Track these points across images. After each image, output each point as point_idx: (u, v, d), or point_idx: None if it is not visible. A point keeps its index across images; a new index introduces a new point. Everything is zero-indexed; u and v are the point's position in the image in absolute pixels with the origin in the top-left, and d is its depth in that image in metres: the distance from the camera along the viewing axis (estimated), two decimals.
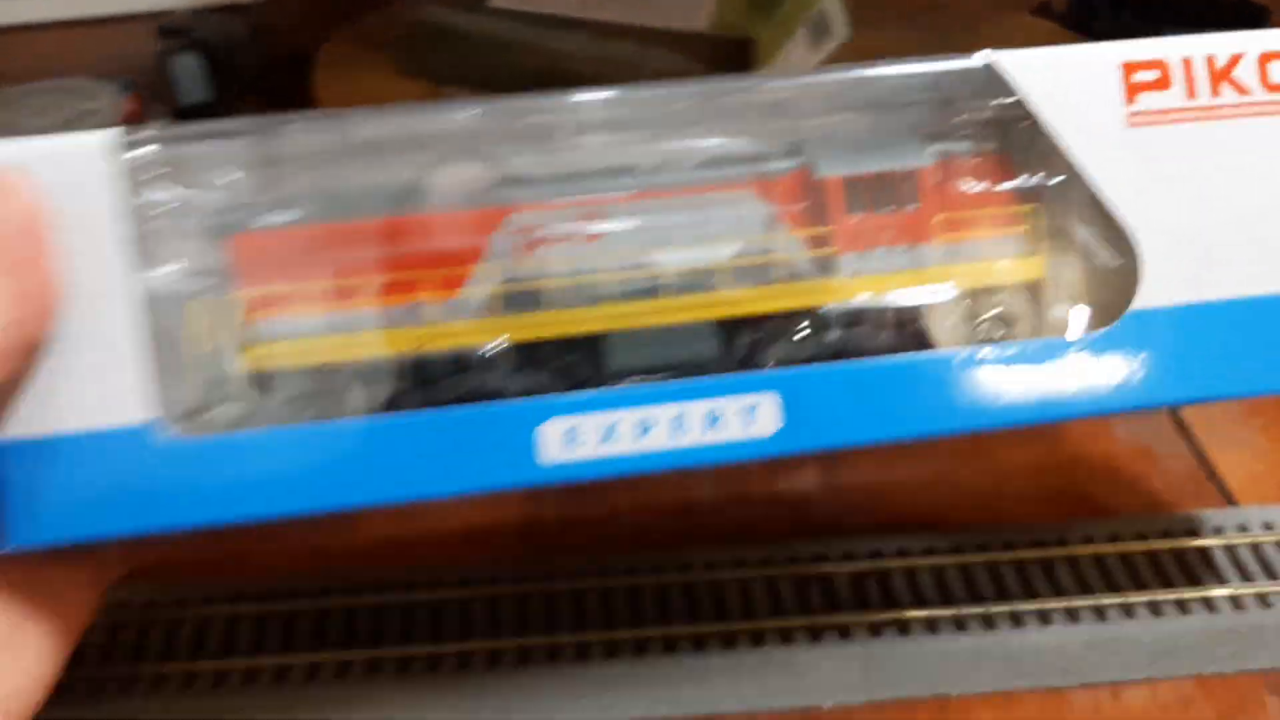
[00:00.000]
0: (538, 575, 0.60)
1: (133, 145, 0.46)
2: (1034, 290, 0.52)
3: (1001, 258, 0.52)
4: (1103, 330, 0.49)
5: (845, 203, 0.51)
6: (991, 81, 0.49)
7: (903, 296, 0.51)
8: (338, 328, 0.49)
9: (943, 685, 0.56)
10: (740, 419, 0.47)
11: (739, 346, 0.51)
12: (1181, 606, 0.58)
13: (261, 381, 0.49)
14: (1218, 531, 0.62)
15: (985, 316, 0.52)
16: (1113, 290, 0.50)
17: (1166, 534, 0.62)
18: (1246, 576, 0.60)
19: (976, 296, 0.52)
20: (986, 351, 0.49)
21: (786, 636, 0.57)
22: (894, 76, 0.51)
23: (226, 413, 0.48)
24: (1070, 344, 0.49)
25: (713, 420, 0.47)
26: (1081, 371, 0.49)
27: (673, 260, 0.51)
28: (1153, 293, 0.49)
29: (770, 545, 0.61)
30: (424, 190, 0.50)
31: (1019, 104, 0.49)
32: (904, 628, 0.57)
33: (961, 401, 0.49)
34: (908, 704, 0.55)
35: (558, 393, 0.48)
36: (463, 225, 0.50)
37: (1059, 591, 0.59)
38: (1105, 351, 0.49)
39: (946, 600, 0.58)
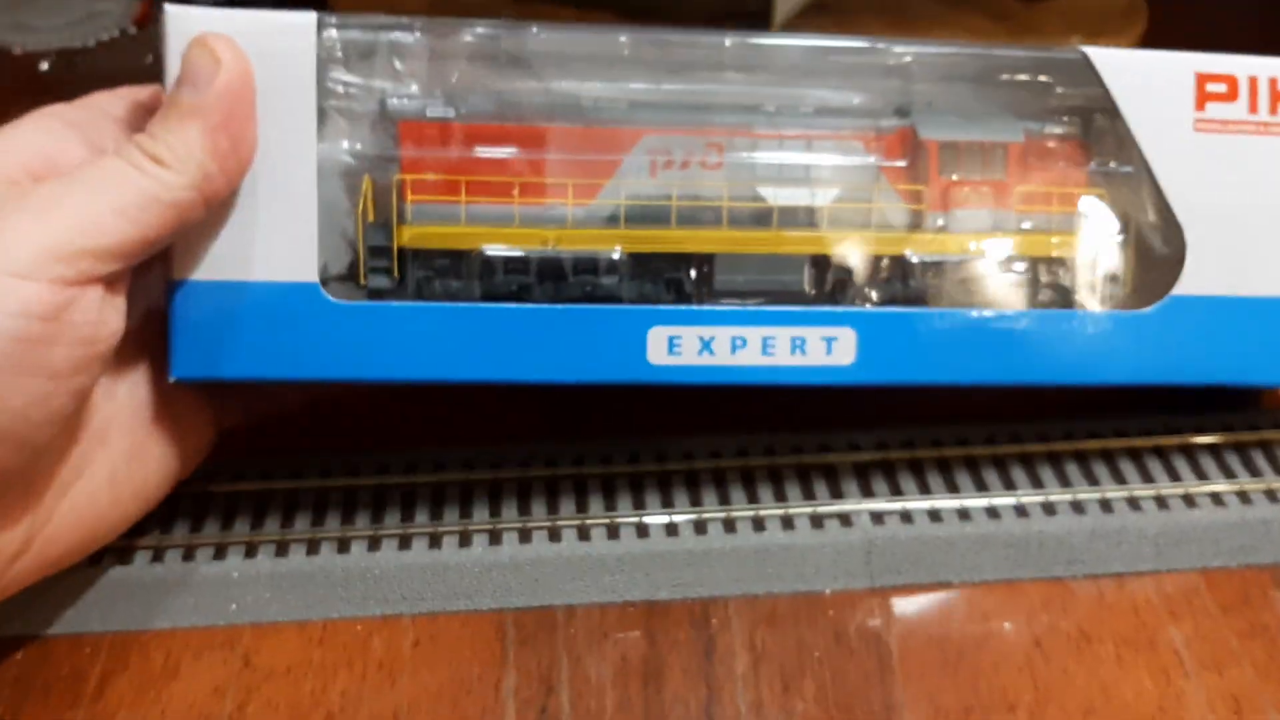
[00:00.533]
0: (546, 459, 0.60)
1: (326, 26, 0.51)
2: (1089, 265, 0.57)
3: (1067, 232, 0.57)
4: (1144, 309, 0.55)
5: (940, 164, 0.55)
6: (1083, 72, 0.54)
7: (979, 255, 0.56)
8: (483, 218, 0.53)
9: (945, 572, 0.55)
10: (821, 348, 0.53)
11: (829, 282, 0.56)
12: (1188, 500, 0.58)
13: (414, 257, 0.53)
14: (1227, 429, 0.61)
15: (1045, 283, 0.57)
16: (1158, 275, 0.56)
17: (1174, 430, 0.61)
18: (1255, 472, 0.59)
19: (1040, 264, 0.57)
20: (1041, 315, 0.55)
21: (789, 523, 0.56)
22: (999, 57, 0.57)
23: (380, 282, 0.53)
24: (1113, 316, 0.55)
25: (798, 345, 0.53)
26: (1119, 343, 0.55)
27: (781, 196, 0.55)
28: (1193, 282, 0.55)
29: (776, 434, 0.61)
30: (573, 104, 0.54)
31: (1105, 95, 0.54)
32: (907, 517, 0.56)
33: (1013, 356, 0.55)
34: (909, 589, 0.55)
35: (666, 304, 0.54)
36: (602, 141, 0.54)
37: (1065, 484, 0.58)
38: (1142, 328, 0.55)
39: (952, 491, 0.58)
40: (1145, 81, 0.54)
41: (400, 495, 0.58)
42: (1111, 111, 0.54)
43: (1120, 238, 0.56)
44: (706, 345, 0.53)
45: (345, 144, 0.53)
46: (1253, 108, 0.54)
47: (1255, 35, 1.05)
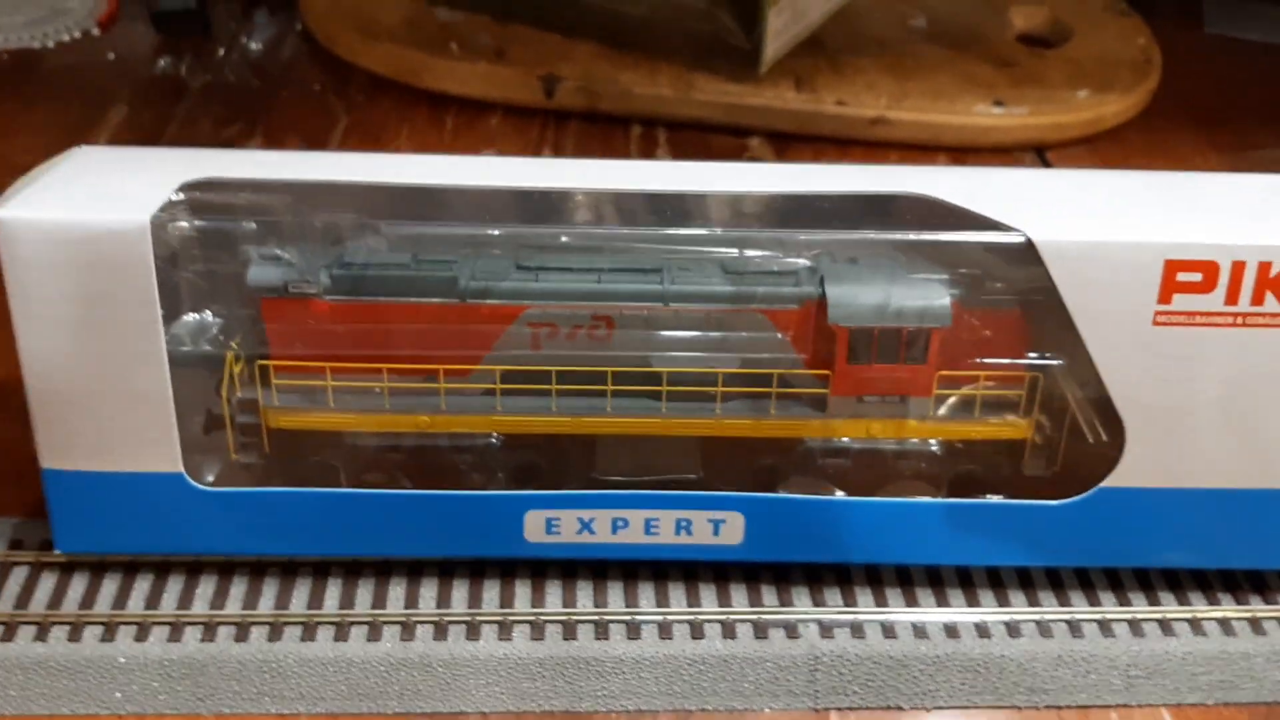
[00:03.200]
0: None
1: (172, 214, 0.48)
2: (1015, 450, 0.52)
3: (991, 423, 0.52)
4: (1070, 499, 0.51)
5: (850, 352, 0.50)
6: (1028, 257, 0.47)
7: (886, 443, 0.52)
8: (353, 402, 0.51)
9: (895, 697, 0.51)
10: (708, 529, 0.52)
11: (720, 466, 0.52)
12: (1164, 626, 0.53)
13: (283, 435, 0.51)
14: None
15: (960, 470, 0.53)
16: (1088, 464, 0.51)
17: None
18: (1240, 600, 0.55)
19: (956, 451, 0.53)
20: (952, 506, 0.51)
21: (729, 630, 0.52)
22: (939, 242, 0.50)
23: (250, 458, 0.52)
24: (1033, 507, 0.51)
25: (683, 527, 0.52)
26: (1040, 531, 0.52)
27: (674, 374, 0.51)
28: (1129, 474, 0.50)
29: None
30: (448, 279, 0.50)
31: (1049, 285, 0.47)
32: (859, 630, 0.52)
33: (924, 541, 0.52)
34: (856, 712, 0.51)
35: (544, 485, 0.52)
36: (480, 316, 0.50)
37: (1033, 602, 0.54)
38: (1066, 518, 0.51)
39: (910, 604, 0.53)
40: (1100, 275, 0.47)
41: (311, 574, 0.54)
42: (1055, 301, 0.48)
43: (1049, 424, 0.52)
44: (586, 526, 0.51)
45: (209, 315, 0.51)
46: (1231, 298, 0.47)
47: (1273, 91, 1.00)
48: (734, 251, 0.50)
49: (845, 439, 0.52)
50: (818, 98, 0.88)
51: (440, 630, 0.51)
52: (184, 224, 0.48)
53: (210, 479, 0.51)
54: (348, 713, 0.50)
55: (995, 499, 0.52)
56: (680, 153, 0.86)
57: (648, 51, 0.90)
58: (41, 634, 0.50)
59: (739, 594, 0.53)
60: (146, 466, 0.49)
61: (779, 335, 0.50)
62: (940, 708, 0.51)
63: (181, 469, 0.49)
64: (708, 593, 0.53)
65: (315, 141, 0.88)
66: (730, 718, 0.50)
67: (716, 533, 0.51)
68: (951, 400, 0.51)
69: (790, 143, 0.89)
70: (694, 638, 0.51)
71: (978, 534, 0.51)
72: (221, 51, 1.00)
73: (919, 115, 0.87)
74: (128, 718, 0.49)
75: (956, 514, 0.51)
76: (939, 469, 0.53)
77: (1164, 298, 0.47)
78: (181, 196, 0.47)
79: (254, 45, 1.01)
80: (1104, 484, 0.50)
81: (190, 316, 0.50)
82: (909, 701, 0.51)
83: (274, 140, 0.88)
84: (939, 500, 0.52)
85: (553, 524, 0.51)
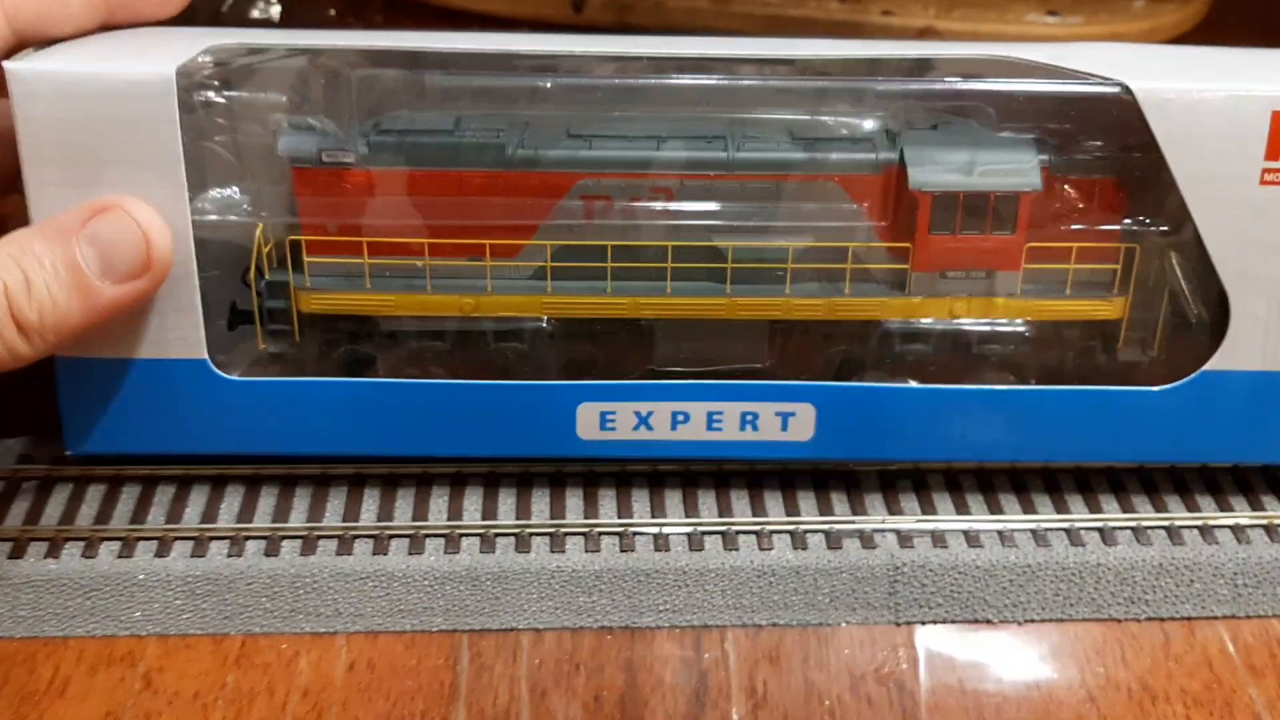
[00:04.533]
0: None
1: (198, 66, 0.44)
2: (1111, 330, 0.48)
3: (1084, 295, 0.48)
4: (1174, 384, 0.47)
5: (931, 220, 0.46)
6: (1125, 110, 0.44)
7: (972, 324, 0.48)
8: (392, 282, 0.47)
9: (982, 609, 0.47)
10: (775, 424, 0.47)
11: (789, 351, 0.49)
12: (1272, 532, 0.49)
13: (315, 321, 0.47)
14: None
15: (1052, 355, 0.49)
16: (1189, 347, 0.47)
17: None
18: None
19: (1050, 328, 0.49)
20: (1042, 394, 0.47)
21: (799, 541, 0.47)
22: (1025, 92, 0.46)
23: (280, 347, 0.48)
24: (1138, 394, 0.47)
25: (749, 421, 0.47)
26: (1138, 422, 0.47)
27: (740, 251, 0.47)
28: (1236, 354, 0.46)
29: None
30: (494, 144, 0.46)
31: (1148, 138, 0.44)
32: (940, 540, 0.48)
33: (1009, 435, 0.48)
34: (940, 628, 0.46)
35: (598, 376, 0.48)
36: (528, 187, 0.47)
37: (1128, 509, 0.49)
38: (1166, 406, 0.47)
39: (994, 511, 0.49)
40: (1204, 128, 0.43)
41: (346, 486, 0.49)
42: (1155, 156, 0.44)
43: (1147, 304, 0.48)
44: (644, 420, 0.47)
45: (234, 190, 0.47)
46: None
47: None
48: (804, 116, 0.46)
49: (926, 320, 0.48)
50: (863, 8, 0.83)
51: (487, 543, 0.47)
52: (210, 91, 0.44)
53: (236, 376, 0.47)
54: (389, 630, 0.46)
55: (1088, 388, 0.47)
56: None
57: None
58: (54, 550, 0.46)
59: (807, 503, 0.49)
60: (167, 353, 0.45)
61: (854, 206, 0.46)
62: (1032, 620, 0.47)
63: (206, 355, 0.45)
64: (774, 502, 0.49)
65: None
66: (804, 633, 0.46)
67: (785, 428, 0.47)
68: (1041, 279, 0.47)
69: None
70: (761, 549, 0.47)
71: (1068, 426, 0.47)
72: None
73: (969, 25, 0.83)
74: (148, 638, 0.45)
75: (1046, 403, 0.47)
76: (1026, 356, 0.49)
77: (1272, 153, 0.43)
78: (209, 59, 0.43)
79: None
80: (1206, 367, 0.46)
81: (215, 192, 0.46)
82: (998, 614, 0.47)
83: None
84: (1027, 388, 0.48)
85: (607, 419, 0.47)
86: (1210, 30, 0.89)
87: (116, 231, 0.41)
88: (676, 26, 0.84)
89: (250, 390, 0.46)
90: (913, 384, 0.48)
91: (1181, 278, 0.47)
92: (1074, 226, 0.47)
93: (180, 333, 0.45)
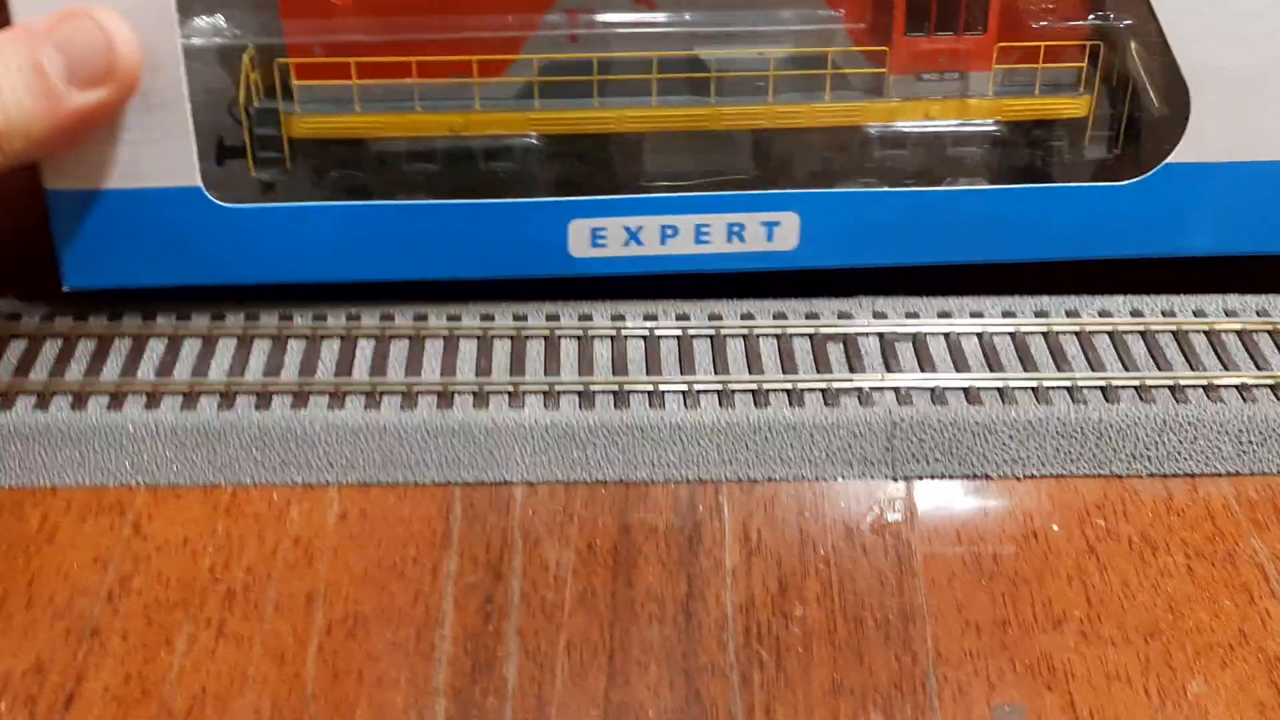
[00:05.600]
0: (513, 313, 0.50)
1: None
2: (1077, 128, 0.49)
3: (1051, 94, 0.48)
4: (1138, 178, 0.47)
5: (908, 21, 0.47)
6: None
7: (944, 128, 0.49)
8: (381, 102, 0.46)
9: (981, 464, 0.46)
10: (761, 233, 0.47)
11: (773, 160, 0.49)
12: (1277, 391, 0.48)
13: (306, 146, 0.47)
14: None
15: (1022, 153, 0.50)
16: (1155, 139, 0.48)
17: (1262, 313, 0.51)
18: None
19: (1018, 132, 0.50)
20: (1016, 192, 0.48)
21: (796, 398, 0.47)
22: None
23: (271, 174, 0.47)
24: (1099, 190, 0.48)
25: (735, 232, 0.48)
26: (1105, 216, 0.48)
27: (722, 60, 0.47)
28: (1194, 147, 0.46)
29: (785, 299, 0.51)
30: None
31: None
32: (939, 397, 0.47)
33: (982, 234, 0.48)
34: (937, 483, 0.46)
35: (587, 193, 0.47)
36: (511, 3, 0.46)
37: (1131, 366, 0.49)
38: (1132, 199, 0.48)
39: (994, 369, 0.48)
40: None
41: (338, 343, 0.49)
42: None
43: (1112, 101, 0.49)
44: (634, 236, 0.47)
45: (220, 18, 0.46)
46: None
47: None
48: None
49: (903, 123, 0.48)
50: None
51: (480, 399, 0.47)
52: None
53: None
54: (381, 482, 0.45)
55: (1058, 185, 0.49)
56: None
57: None
58: (42, 403, 0.46)
59: (805, 362, 0.49)
60: (160, 181, 0.44)
61: (831, 10, 0.47)
62: (1032, 476, 0.46)
63: (200, 183, 0.45)
64: (770, 362, 0.49)
65: None
66: (799, 487, 0.46)
67: (770, 237, 0.48)
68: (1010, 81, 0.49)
69: None
70: (758, 406, 0.47)
71: (1041, 224, 0.48)
72: None
73: None
74: (137, 489, 0.45)
75: (1019, 202, 0.48)
76: (998, 157, 0.50)
77: None
78: None
79: None
80: (1168, 160, 0.47)
81: (202, 19, 0.45)
82: (996, 470, 0.46)
83: None
84: (1001, 188, 0.49)
85: (598, 235, 0.47)
86: None
87: (81, 35, 0.40)
88: None
89: (245, 217, 0.46)
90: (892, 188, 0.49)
91: (1144, 73, 0.48)
92: (1041, 23, 0.48)
93: (173, 160, 0.44)
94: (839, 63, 0.47)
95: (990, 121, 0.48)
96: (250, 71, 0.45)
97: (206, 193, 0.45)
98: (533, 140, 0.47)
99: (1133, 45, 0.47)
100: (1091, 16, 0.47)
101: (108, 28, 0.41)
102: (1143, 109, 0.48)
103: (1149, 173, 0.47)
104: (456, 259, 0.47)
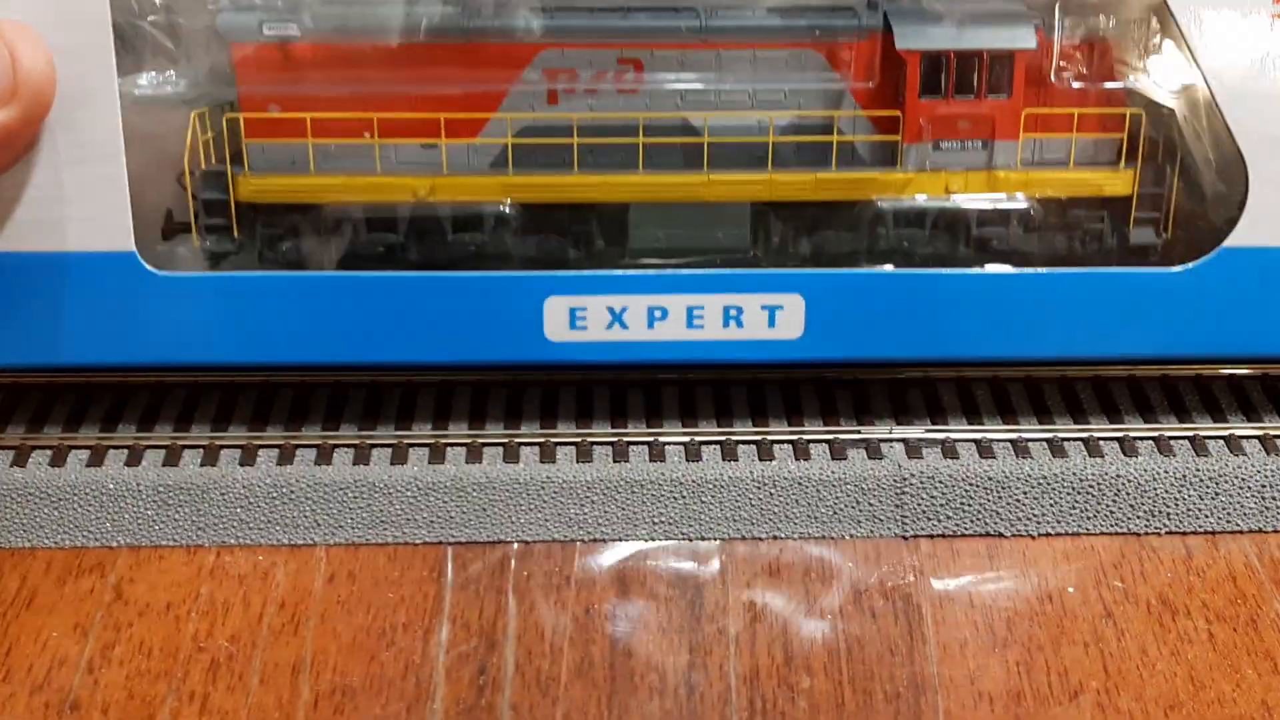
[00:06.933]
0: None
1: None
2: (1119, 208, 0.45)
3: (1089, 167, 0.44)
4: (1193, 263, 0.43)
5: (922, 82, 0.43)
6: None
7: (970, 200, 0.45)
8: (340, 163, 0.43)
9: (994, 522, 0.45)
10: (761, 319, 0.43)
11: (774, 236, 0.46)
12: None
13: (257, 212, 0.44)
14: None
15: (1055, 234, 0.45)
16: (1206, 221, 0.44)
17: None
18: None
19: (1050, 210, 0.45)
20: (1047, 277, 0.43)
21: (802, 451, 0.45)
22: None
23: (218, 243, 0.44)
24: (1152, 275, 0.43)
25: (732, 317, 0.43)
26: (1151, 308, 0.43)
27: (716, 126, 0.44)
28: (1255, 229, 0.41)
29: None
30: (450, 15, 0.43)
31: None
32: (950, 450, 0.45)
33: (1011, 328, 0.43)
34: (949, 540, 0.44)
35: (566, 269, 0.44)
36: (486, 60, 0.43)
37: (1149, 417, 0.47)
38: (1182, 290, 0.43)
39: (1007, 420, 0.47)
40: None
41: (326, 396, 0.47)
42: (1156, 4, 0.41)
43: (1158, 173, 0.44)
44: (617, 317, 0.43)
45: (170, 72, 0.43)
46: None
47: None
48: None
49: (920, 197, 0.44)
50: None
51: (474, 453, 0.45)
52: None
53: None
54: (370, 542, 0.44)
55: (1100, 270, 0.43)
56: None
57: None
58: (20, 459, 0.45)
59: (811, 413, 0.47)
60: (94, 244, 0.41)
61: (838, 75, 0.44)
62: (1047, 534, 0.45)
63: (134, 248, 0.41)
64: (775, 412, 0.47)
65: None
66: (807, 546, 0.44)
67: (772, 323, 0.43)
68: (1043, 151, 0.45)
69: None
70: (762, 459, 0.45)
71: (1081, 315, 0.43)
72: None
73: None
74: (119, 549, 0.43)
75: (1055, 288, 0.43)
76: (1030, 239, 0.45)
77: None
78: None
79: None
80: (1226, 244, 0.42)
81: (149, 75, 0.43)
82: (1010, 527, 0.45)
83: None
84: (1035, 272, 0.44)
85: (578, 315, 0.42)
86: None
87: None
88: None
89: (182, 287, 0.42)
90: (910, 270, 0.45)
91: (1191, 144, 0.44)
92: (1074, 85, 0.44)
93: (103, 220, 0.40)
94: (847, 132, 0.44)
95: (1019, 197, 0.45)
96: (200, 133, 0.42)
97: (141, 259, 0.41)
98: (505, 208, 0.44)
99: (1179, 113, 0.43)
100: (1130, 80, 0.44)
101: (13, 42, 0.37)
102: (1194, 185, 0.44)
103: (1205, 257, 0.42)
104: (416, 340, 0.43)
